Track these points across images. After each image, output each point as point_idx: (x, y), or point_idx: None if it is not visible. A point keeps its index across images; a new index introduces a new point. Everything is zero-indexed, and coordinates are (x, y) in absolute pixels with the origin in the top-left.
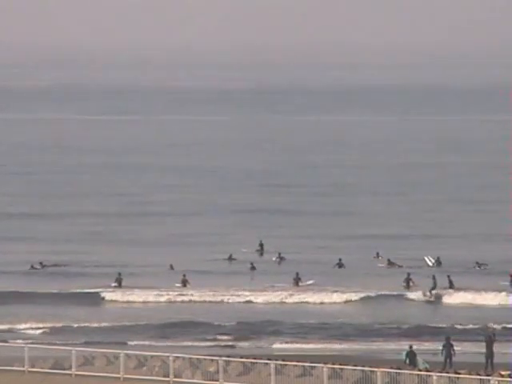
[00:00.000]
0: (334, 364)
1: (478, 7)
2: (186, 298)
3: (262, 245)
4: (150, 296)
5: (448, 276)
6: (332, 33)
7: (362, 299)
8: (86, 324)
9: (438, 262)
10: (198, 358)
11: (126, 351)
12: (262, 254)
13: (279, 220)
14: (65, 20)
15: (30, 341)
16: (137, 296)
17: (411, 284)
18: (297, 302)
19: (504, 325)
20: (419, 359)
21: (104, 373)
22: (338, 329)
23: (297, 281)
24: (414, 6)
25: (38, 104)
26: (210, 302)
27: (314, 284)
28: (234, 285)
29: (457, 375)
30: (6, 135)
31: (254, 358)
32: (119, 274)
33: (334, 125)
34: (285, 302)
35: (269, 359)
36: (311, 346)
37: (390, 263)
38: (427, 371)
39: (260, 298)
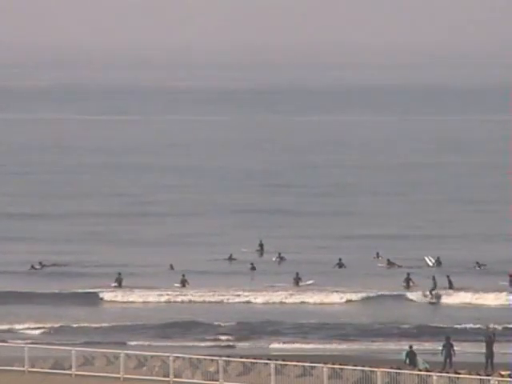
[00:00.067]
0: (334, 364)
1: (478, 7)
2: (186, 298)
3: (261, 245)
4: (150, 296)
5: (447, 276)
6: (332, 33)
7: (362, 299)
8: (86, 324)
9: (438, 262)
10: (198, 358)
11: (126, 351)
12: (261, 254)
13: (279, 220)
14: (65, 20)
15: (29, 341)
16: (137, 296)
17: (411, 284)
18: (297, 302)
19: (504, 325)
20: (419, 359)
21: (104, 373)
22: (338, 329)
23: (297, 281)
24: (414, 6)
25: (38, 104)
26: (210, 302)
27: (314, 284)
28: (234, 285)
29: (457, 375)
30: (6, 135)
31: (254, 358)
32: (119, 273)
33: (334, 125)
34: (285, 302)
35: (269, 359)
36: (311, 346)
37: (390, 263)
38: (427, 371)
39: (260, 298)
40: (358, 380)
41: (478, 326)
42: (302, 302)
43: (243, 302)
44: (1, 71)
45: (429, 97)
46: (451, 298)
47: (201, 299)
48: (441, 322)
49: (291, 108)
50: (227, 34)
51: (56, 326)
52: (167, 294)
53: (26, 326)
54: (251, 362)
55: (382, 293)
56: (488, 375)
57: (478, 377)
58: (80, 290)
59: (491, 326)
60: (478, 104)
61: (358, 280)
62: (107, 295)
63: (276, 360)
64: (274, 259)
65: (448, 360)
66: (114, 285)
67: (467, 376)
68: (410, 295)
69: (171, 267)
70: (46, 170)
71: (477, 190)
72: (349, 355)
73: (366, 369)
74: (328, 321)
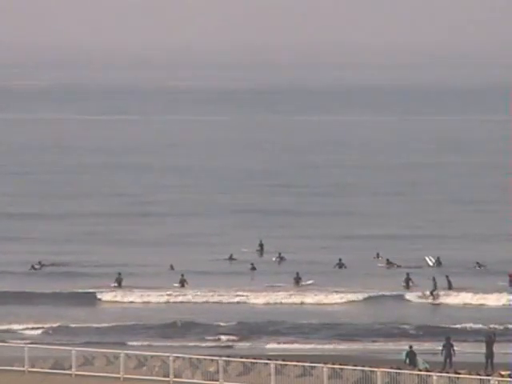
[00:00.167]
0: (334, 364)
1: (478, 7)
2: (186, 298)
3: (262, 245)
4: (150, 296)
5: (447, 276)
6: (332, 33)
7: (362, 299)
8: (86, 324)
9: (438, 262)
10: (198, 358)
11: (126, 351)
12: (262, 254)
13: (279, 220)
14: (65, 20)
15: (29, 341)
16: (137, 296)
17: (411, 284)
18: (297, 302)
19: (505, 325)
20: (419, 359)
21: (104, 373)
22: (337, 329)
23: (297, 281)
24: (414, 6)
25: (38, 104)
26: (210, 302)
27: (314, 284)
28: (234, 285)
29: (457, 375)
30: (6, 135)
31: (254, 358)
32: (119, 273)
33: (334, 125)
34: (285, 302)
35: (269, 359)
36: (311, 346)
37: (389, 263)
38: (427, 371)
39: (260, 298)
40: (358, 380)
41: (478, 325)
42: (302, 302)
43: (243, 302)
44: (1, 71)
45: (429, 97)
46: (451, 298)
47: (201, 299)
48: (441, 322)
49: (291, 108)
50: (227, 34)
51: (56, 325)
52: (167, 294)
53: (26, 326)
54: (251, 362)
55: (382, 293)
56: (488, 375)
57: (478, 377)
58: (80, 290)
59: (491, 325)
60: (478, 104)
61: (358, 280)
62: (107, 295)
63: (276, 360)
64: (274, 259)
65: (448, 360)
66: (113, 285)
67: (467, 376)
68: (410, 295)
69: (171, 267)
70: (46, 170)
71: (477, 190)
72: (349, 355)
73: (366, 369)
74: (328, 321)
